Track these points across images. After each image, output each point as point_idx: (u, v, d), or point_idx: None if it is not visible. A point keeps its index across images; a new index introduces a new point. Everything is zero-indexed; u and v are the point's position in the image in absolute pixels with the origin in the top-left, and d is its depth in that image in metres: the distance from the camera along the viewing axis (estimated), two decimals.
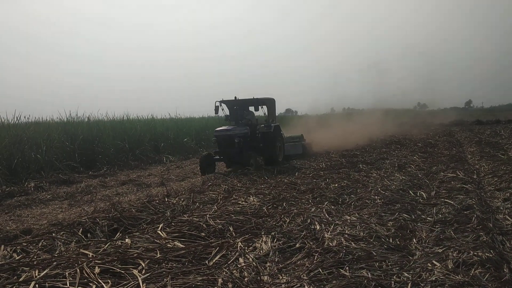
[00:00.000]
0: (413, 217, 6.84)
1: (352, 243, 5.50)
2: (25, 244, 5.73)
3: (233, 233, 6.12)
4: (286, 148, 15.73)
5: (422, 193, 8.53)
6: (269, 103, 15.16)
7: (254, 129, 14.28)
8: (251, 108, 14.97)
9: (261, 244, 5.58)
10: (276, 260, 5.08)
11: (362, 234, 5.91)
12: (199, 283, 4.20)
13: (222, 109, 14.46)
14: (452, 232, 5.91)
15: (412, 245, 5.53)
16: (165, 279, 4.24)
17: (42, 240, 5.85)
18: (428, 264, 4.74)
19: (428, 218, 6.75)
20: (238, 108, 14.52)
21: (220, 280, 4.27)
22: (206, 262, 4.95)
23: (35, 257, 5.03)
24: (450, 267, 4.60)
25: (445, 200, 7.75)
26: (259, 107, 14.72)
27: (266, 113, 15.09)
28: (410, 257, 5.05)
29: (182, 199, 8.39)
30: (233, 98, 14.37)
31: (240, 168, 12.64)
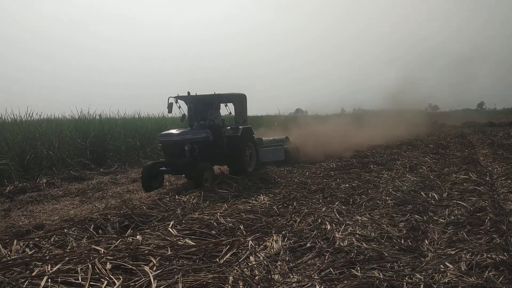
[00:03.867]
0: (425, 219, 6.78)
1: (363, 243, 5.48)
2: (38, 239, 5.78)
3: (243, 231, 6.11)
4: (265, 154, 13.53)
5: (434, 194, 8.46)
6: (237, 100, 12.47)
7: (218, 133, 11.76)
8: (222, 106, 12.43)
9: (271, 243, 5.57)
10: (287, 259, 5.07)
11: (373, 234, 5.88)
12: (210, 281, 4.20)
13: (179, 107, 11.99)
14: (465, 234, 5.85)
15: (424, 247, 5.48)
16: (176, 276, 4.25)
17: (54, 236, 5.90)
18: (441, 265, 4.69)
19: (440, 220, 6.69)
20: (193, 106, 11.40)
21: (230, 278, 4.27)
22: (217, 260, 4.94)
23: (47, 252, 5.08)
24: (463, 269, 4.55)
25: (458, 201, 7.68)
26: (224, 105, 12.40)
27: (233, 113, 12.51)
28: (422, 259, 5.01)
29: (192, 197, 8.42)
30: (187, 94, 11.75)
31: (194, 184, 10.15)
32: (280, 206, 7.74)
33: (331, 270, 4.60)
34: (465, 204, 7.40)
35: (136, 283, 4.12)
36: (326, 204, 7.78)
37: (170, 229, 6.00)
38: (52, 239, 5.78)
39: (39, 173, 12.60)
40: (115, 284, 4.05)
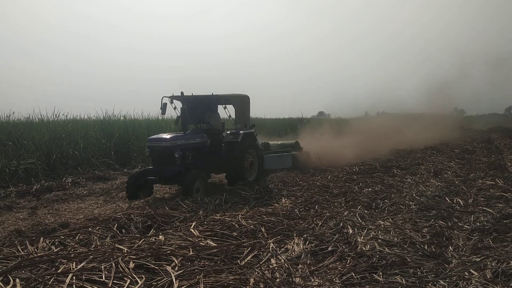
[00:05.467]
0: (450, 224, 6.67)
1: (385, 248, 5.42)
2: (63, 237, 5.90)
3: (265, 234, 6.12)
4: (270, 160, 12.28)
5: (459, 200, 8.31)
6: (238, 102, 11.16)
7: (217, 138, 10.84)
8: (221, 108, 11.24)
9: (293, 246, 5.56)
10: (308, 262, 5.05)
11: (396, 239, 5.82)
12: (231, 282, 4.22)
13: (175, 108, 10.98)
14: (490, 241, 5.75)
15: (448, 253, 5.40)
16: (197, 277, 4.28)
17: (79, 234, 6.02)
18: (465, 272, 4.61)
19: (465, 226, 6.57)
20: (188, 107, 10.43)
21: (252, 280, 4.28)
22: (238, 261, 4.96)
23: (72, 250, 5.18)
24: (488, 277, 4.47)
25: (483, 208, 7.54)
26: (223, 107, 11.09)
27: (233, 116, 11.18)
28: (446, 265, 4.93)
29: (214, 199, 8.47)
30: (181, 94, 10.72)
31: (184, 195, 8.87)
32: (301, 209, 7.72)
33: (353, 274, 4.57)
34: (491, 210, 7.26)
35: (158, 282, 4.17)
36: (348, 208, 7.73)
37: (192, 230, 6.05)
38: (77, 238, 5.89)
39: (64, 173, 12.85)
40: (137, 283, 4.10)
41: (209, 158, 10.52)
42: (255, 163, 11.24)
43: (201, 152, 10.36)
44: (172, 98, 10.76)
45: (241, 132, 10.80)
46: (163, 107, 10.77)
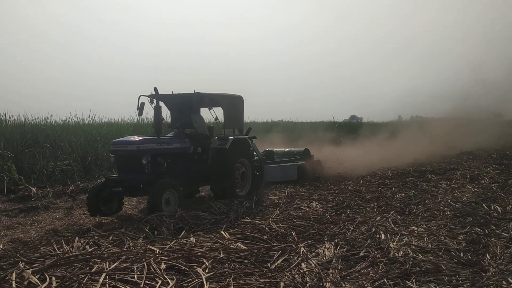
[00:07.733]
0: (487, 232, 6.46)
1: (419, 255, 5.30)
2: (97, 237, 6.03)
3: (295, 237, 6.09)
4: (271, 171, 10.85)
5: (497, 206, 8.04)
6: (227, 103, 9.81)
7: (203, 144, 9.42)
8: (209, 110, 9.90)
9: (324, 251, 5.51)
10: (339, 267, 4.99)
11: (430, 246, 5.68)
12: (261, 285, 4.21)
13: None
14: None
15: (485, 261, 5.22)
16: (228, 279, 4.29)
17: (112, 235, 6.13)
18: (503, 281, 4.46)
19: (504, 234, 6.35)
20: (161, 107, 9.15)
21: (282, 284, 4.26)
22: (268, 265, 4.95)
23: (105, 250, 5.28)
24: None
25: None
26: (207, 109, 9.77)
27: (222, 119, 9.78)
28: (483, 273, 4.76)
29: (245, 202, 8.49)
30: (154, 91, 9.20)
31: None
32: (333, 214, 7.64)
33: (385, 280, 4.48)
34: None
35: (189, 284, 4.20)
36: (381, 213, 7.60)
37: (223, 233, 6.08)
38: (110, 238, 6.00)
39: (99, 174, 13.12)
40: (169, 284, 4.15)
41: (192, 167, 9.17)
42: (248, 174, 9.84)
43: (181, 159, 8.98)
44: (152, 97, 9.20)
45: (230, 137, 9.38)
46: (141, 107, 9.31)
